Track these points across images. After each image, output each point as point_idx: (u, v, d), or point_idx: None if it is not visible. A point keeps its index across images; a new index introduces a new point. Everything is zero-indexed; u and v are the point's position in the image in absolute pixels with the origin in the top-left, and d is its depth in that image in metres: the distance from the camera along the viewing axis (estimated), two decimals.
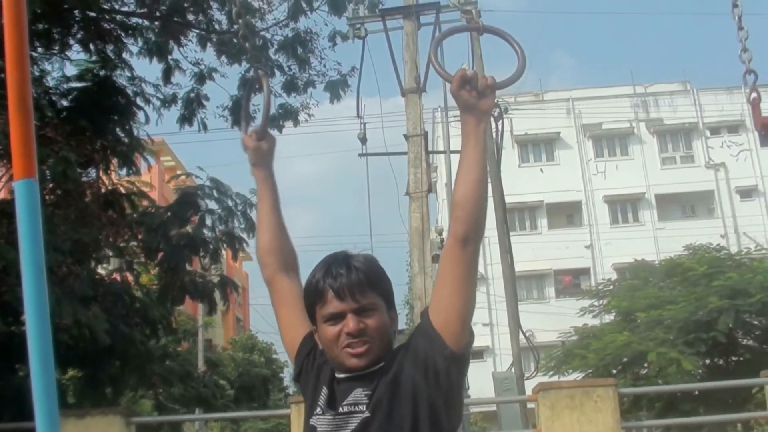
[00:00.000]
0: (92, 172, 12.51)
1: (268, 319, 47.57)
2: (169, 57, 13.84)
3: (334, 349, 2.38)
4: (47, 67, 12.68)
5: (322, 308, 2.40)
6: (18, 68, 1.72)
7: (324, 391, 2.43)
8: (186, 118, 14.07)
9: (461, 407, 2.50)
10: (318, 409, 2.40)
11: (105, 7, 12.81)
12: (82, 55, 12.79)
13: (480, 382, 23.81)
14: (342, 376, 2.41)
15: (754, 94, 4.56)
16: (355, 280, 2.38)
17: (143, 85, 13.17)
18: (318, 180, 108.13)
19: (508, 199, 18.39)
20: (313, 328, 2.51)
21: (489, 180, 2.50)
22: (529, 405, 13.35)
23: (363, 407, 2.31)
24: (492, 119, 17.08)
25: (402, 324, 35.86)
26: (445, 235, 20.28)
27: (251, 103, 3.44)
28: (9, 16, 1.71)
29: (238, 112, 14.23)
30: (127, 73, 13.04)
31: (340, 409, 2.34)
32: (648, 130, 46.30)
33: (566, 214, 45.96)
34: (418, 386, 2.32)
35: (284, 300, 2.73)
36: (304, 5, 13.75)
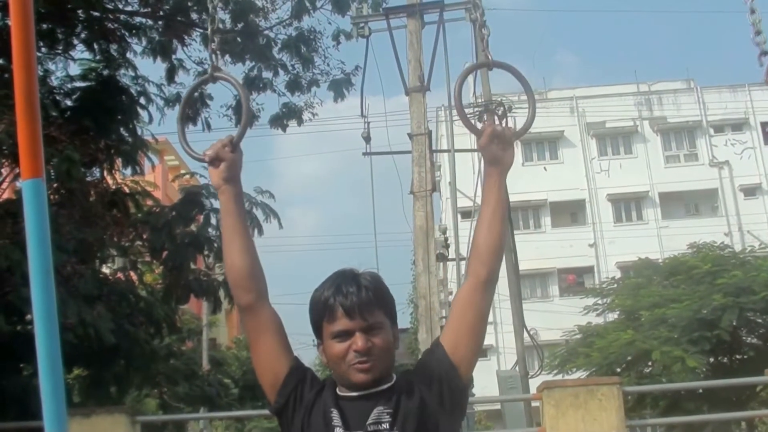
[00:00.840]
0: (96, 172, 12.52)
1: None
2: (173, 56, 13.85)
3: (341, 365, 2.43)
4: (51, 66, 12.70)
5: (331, 325, 2.45)
6: (25, 68, 1.73)
7: (335, 412, 2.43)
8: (190, 118, 14.07)
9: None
10: (338, 430, 2.40)
11: (109, 6, 12.81)
12: (86, 55, 12.81)
13: (484, 381, 23.79)
14: (352, 394, 2.45)
15: None
16: (365, 299, 2.44)
17: (147, 84, 13.18)
18: (321, 179, 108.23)
19: (512, 198, 18.38)
20: (318, 342, 2.54)
21: None
22: (534, 403, 13.36)
23: (387, 425, 2.38)
24: (496, 117, 17.10)
25: (406, 323, 35.91)
26: (449, 233, 20.30)
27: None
28: (16, 18, 1.72)
29: (241, 112, 14.20)
30: (131, 73, 13.05)
31: (368, 428, 2.38)
32: (652, 128, 46.25)
33: (570, 212, 45.92)
34: (437, 412, 2.45)
35: (267, 327, 2.60)
36: (307, 4, 13.74)
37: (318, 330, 2.52)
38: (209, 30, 3.27)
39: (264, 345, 2.59)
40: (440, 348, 2.53)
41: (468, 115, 3.05)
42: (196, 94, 13.82)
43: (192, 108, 13.86)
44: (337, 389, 2.49)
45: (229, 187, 2.68)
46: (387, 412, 2.39)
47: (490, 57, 2.95)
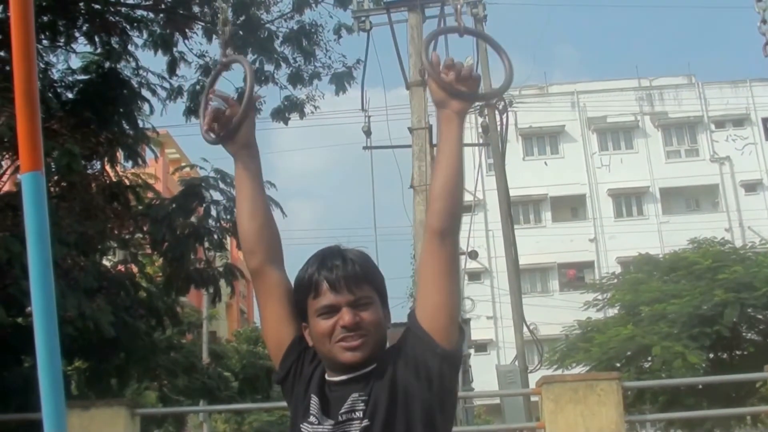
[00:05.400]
0: (97, 165, 12.52)
1: None
2: (174, 49, 13.83)
3: (326, 344, 2.28)
4: (52, 59, 12.70)
5: (316, 300, 2.31)
6: (25, 61, 1.72)
7: (314, 399, 2.30)
8: (192, 111, 14.06)
9: (455, 408, 2.47)
10: (312, 418, 2.28)
11: None
12: (88, 48, 12.81)
13: (484, 375, 23.86)
14: (335, 379, 2.31)
15: None
16: (351, 272, 2.30)
17: (148, 76, 13.18)
18: (322, 173, 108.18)
19: (512, 193, 18.42)
20: (303, 325, 2.40)
21: (464, 171, 2.40)
22: (533, 398, 13.39)
23: (360, 413, 2.22)
24: (497, 112, 17.08)
25: (405, 317, 35.89)
26: None
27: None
28: (16, 9, 1.71)
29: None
30: (132, 65, 13.05)
31: (339, 418, 2.23)
32: (653, 123, 46.28)
33: (570, 207, 45.95)
34: (413, 389, 2.24)
35: (273, 293, 2.47)
36: None
37: (303, 310, 2.37)
38: (219, 23, 3.32)
39: (270, 310, 2.47)
40: (412, 318, 2.33)
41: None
42: (198, 87, 13.82)
43: (194, 101, 13.84)
44: (326, 374, 2.34)
45: (245, 152, 2.53)
46: (362, 399, 2.23)
47: (461, 24, 2.74)
